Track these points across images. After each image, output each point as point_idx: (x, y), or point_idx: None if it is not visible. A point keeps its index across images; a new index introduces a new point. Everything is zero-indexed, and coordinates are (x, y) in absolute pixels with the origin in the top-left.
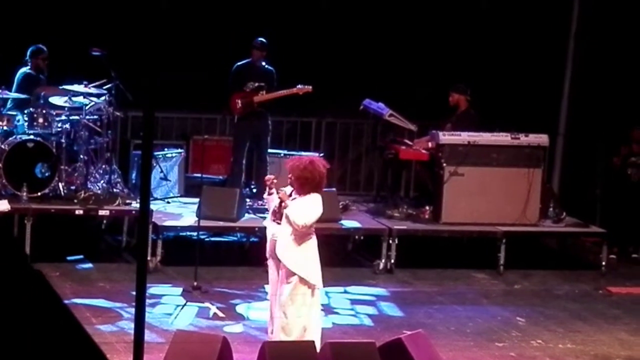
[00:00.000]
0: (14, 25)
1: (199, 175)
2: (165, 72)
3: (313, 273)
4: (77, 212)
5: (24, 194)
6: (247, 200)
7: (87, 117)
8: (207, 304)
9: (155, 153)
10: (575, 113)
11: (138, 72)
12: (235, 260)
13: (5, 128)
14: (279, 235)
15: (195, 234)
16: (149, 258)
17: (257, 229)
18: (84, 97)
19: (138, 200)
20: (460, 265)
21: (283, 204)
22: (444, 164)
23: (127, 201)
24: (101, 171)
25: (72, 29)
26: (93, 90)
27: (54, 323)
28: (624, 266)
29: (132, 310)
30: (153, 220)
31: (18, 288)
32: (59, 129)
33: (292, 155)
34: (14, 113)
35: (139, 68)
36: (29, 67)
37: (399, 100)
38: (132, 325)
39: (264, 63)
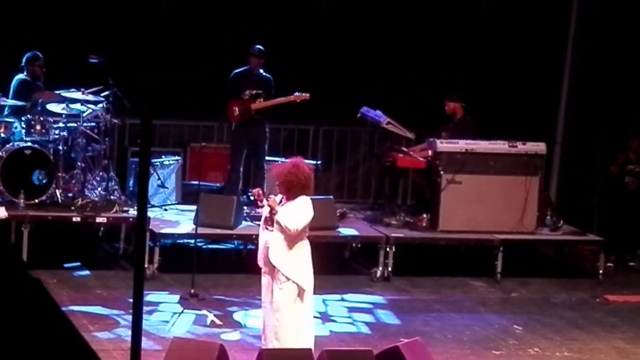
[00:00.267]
0: (11, 31)
1: (196, 182)
2: (163, 78)
3: (305, 277)
4: (74, 219)
5: (21, 201)
6: (245, 207)
7: (85, 124)
8: (204, 312)
9: (153, 160)
10: (572, 121)
11: (136, 79)
12: (233, 267)
13: (2, 135)
14: (271, 242)
15: (192, 241)
16: (146, 265)
17: (254, 236)
18: (82, 105)
19: (135, 208)
20: (458, 273)
21: (273, 211)
22: (442, 172)
23: (125, 208)
24: (98, 178)
25: (69, 35)
26: (90, 98)
27: (51, 330)
28: (621, 274)
29: (129, 317)
30: (150, 227)
31: (16, 295)
32: (56, 136)
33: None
34: (11, 120)
35: (136, 75)
36: (24, 73)
37: (397, 108)
38: (129, 332)
39: (261, 70)
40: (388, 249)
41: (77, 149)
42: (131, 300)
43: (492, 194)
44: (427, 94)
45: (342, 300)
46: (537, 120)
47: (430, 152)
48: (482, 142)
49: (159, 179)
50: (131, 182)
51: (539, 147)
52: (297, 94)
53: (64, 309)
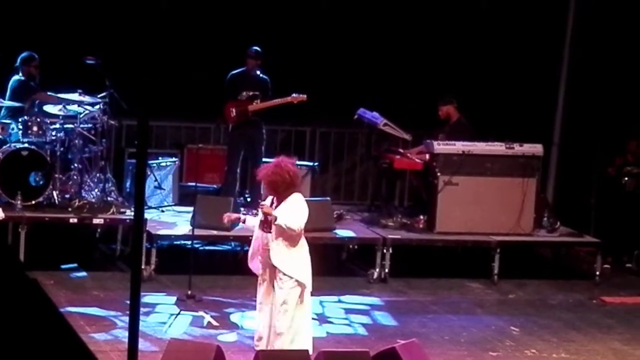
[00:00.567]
0: (7, 32)
1: (193, 184)
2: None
3: (307, 276)
4: (71, 220)
5: (18, 202)
6: (242, 209)
7: (82, 125)
8: (201, 313)
9: (150, 162)
10: (569, 123)
11: (133, 80)
12: (229, 269)
13: None
14: (270, 244)
15: (189, 242)
16: (143, 267)
17: (251, 237)
18: (79, 106)
19: (132, 209)
20: (455, 274)
21: (270, 218)
22: (438, 174)
23: (122, 210)
24: (95, 179)
25: (66, 37)
26: (87, 99)
27: (49, 331)
28: (618, 276)
29: (126, 318)
30: (147, 228)
31: (13, 296)
32: (53, 138)
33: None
34: (7, 121)
35: (133, 76)
36: (20, 74)
37: (393, 110)
38: (126, 333)
39: (258, 72)
40: (385, 251)
41: (74, 150)
42: (128, 301)
43: (489, 196)
44: (424, 96)
45: (339, 301)
46: (534, 121)
47: (427, 154)
48: (479, 144)
49: (156, 180)
50: (128, 184)
51: (536, 148)
52: (294, 95)
53: (61, 310)
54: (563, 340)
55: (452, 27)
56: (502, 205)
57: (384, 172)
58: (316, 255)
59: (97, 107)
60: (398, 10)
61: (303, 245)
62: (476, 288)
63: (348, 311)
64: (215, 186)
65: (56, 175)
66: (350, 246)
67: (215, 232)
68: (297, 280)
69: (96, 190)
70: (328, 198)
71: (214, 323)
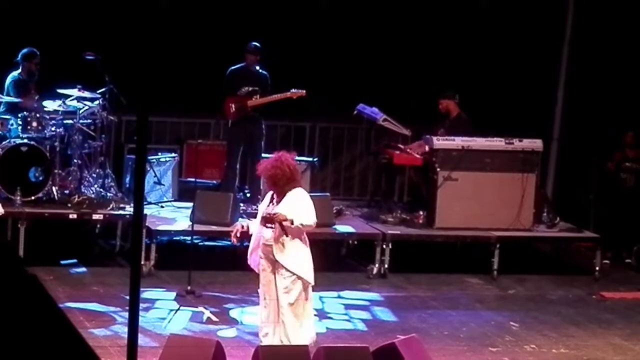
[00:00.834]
0: (6, 28)
1: (192, 179)
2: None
3: (309, 271)
4: (70, 216)
5: (18, 197)
6: (241, 204)
7: (81, 121)
8: (200, 308)
9: (149, 157)
10: (569, 118)
11: (132, 76)
12: (229, 264)
13: None
14: (273, 240)
15: (189, 238)
16: (142, 262)
17: (251, 233)
18: (78, 101)
19: (132, 205)
20: (454, 270)
21: (286, 223)
22: (438, 169)
23: (121, 205)
24: (95, 175)
25: (65, 32)
26: (87, 95)
27: (49, 326)
28: (618, 271)
29: (126, 314)
30: (147, 224)
31: (12, 291)
32: (52, 133)
33: None
34: (7, 117)
35: (132, 72)
36: (19, 70)
37: (393, 105)
38: (126, 329)
39: (257, 67)
40: (384, 246)
41: (73, 146)
42: (127, 297)
43: (489, 191)
44: (424, 91)
45: (339, 297)
46: (534, 117)
47: (426, 149)
48: (479, 139)
49: (156, 175)
50: (127, 179)
51: (536, 144)
52: (293, 90)
53: (60, 305)
54: (563, 335)
55: (451, 22)
56: (501, 200)
57: (384, 167)
58: (315, 250)
59: (97, 102)
60: (398, 6)
61: (305, 242)
62: (476, 283)
63: (348, 307)
64: (214, 182)
65: (56, 171)
66: (350, 242)
67: (214, 228)
68: (297, 276)
69: (96, 185)
70: (327, 193)
71: (214, 319)
